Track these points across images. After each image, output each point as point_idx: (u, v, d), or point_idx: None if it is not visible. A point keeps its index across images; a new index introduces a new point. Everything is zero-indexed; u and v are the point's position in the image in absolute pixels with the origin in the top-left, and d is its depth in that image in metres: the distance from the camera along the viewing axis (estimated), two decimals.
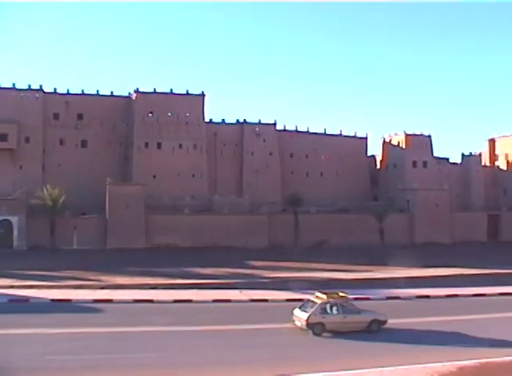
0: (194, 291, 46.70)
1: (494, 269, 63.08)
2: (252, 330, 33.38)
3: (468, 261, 68.50)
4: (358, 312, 32.86)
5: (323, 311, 31.89)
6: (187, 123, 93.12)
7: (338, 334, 31.63)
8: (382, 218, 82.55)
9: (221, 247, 76.84)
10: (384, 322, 33.29)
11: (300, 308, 33.19)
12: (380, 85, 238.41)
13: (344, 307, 32.45)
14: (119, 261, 64.43)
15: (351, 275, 57.42)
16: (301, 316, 32.29)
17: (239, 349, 28.91)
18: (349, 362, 26.29)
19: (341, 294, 33.88)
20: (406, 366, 25.59)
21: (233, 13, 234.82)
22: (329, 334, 31.73)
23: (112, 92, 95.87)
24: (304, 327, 31.83)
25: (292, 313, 33.47)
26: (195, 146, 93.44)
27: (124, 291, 46.65)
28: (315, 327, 31.63)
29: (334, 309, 32.10)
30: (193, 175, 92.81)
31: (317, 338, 31.38)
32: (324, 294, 33.31)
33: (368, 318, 32.88)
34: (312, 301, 32.86)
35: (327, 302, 32.34)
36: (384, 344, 30.64)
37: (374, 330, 32.57)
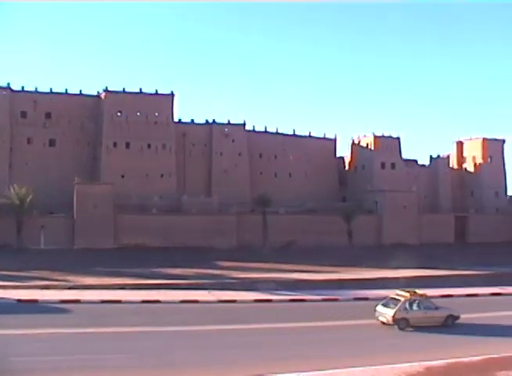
0: (162, 291, 46.75)
1: (461, 270, 64.19)
2: (224, 330, 33.65)
3: (435, 262, 69.40)
4: (436, 308, 36.17)
5: (407, 307, 35.08)
6: (156, 123, 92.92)
7: (420, 328, 34.70)
8: (350, 219, 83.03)
9: (189, 247, 76.77)
10: (458, 317, 36.60)
11: (382, 305, 36.30)
12: (349, 87, 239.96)
13: (424, 304, 35.81)
14: (87, 261, 64.09)
15: (319, 276, 57.83)
16: (385, 312, 35.31)
17: (211, 350, 29.13)
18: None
19: (420, 292, 37.23)
20: (377, 367, 26.01)
21: (201, 14, 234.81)
22: (411, 329, 34.76)
23: (81, 91, 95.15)
24: (390, 322, 34.90)
25: (375, 310, 36.35)
26: (164, 146, 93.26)
27: (91, 291, 46.52)
28: (401, 323, 34.69)
29: (415, 305, 35.39)
30: (162, 175, 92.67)
31: (403, 332, 34.50)
32: (406, 292, 36.56)
33: (444, 313, 36.23)
34: (395, 299, 36.01)
35: (410, 299, 35.46)
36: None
37: (450, 325, 35.81)
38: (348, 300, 46.91)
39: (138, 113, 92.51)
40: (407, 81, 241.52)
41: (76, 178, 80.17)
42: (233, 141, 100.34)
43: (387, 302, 36.39)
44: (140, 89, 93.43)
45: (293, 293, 48.64)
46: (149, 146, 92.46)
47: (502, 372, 25.73)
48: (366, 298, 46.62)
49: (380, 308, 36.13)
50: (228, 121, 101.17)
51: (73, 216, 78.41)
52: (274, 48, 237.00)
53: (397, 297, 36.10)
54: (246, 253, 73.90)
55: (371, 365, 26.07)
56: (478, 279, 60.28)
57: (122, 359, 26.48)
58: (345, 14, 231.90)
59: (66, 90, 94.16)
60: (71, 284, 49.17)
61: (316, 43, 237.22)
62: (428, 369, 26.17)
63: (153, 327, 33.67)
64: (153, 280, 52.32)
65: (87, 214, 77.77)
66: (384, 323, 35.44)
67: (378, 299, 46.86)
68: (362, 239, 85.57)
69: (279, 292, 49.17)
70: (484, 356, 28.66)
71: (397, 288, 51.87)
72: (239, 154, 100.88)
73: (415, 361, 27.03)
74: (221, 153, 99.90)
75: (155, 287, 48.55)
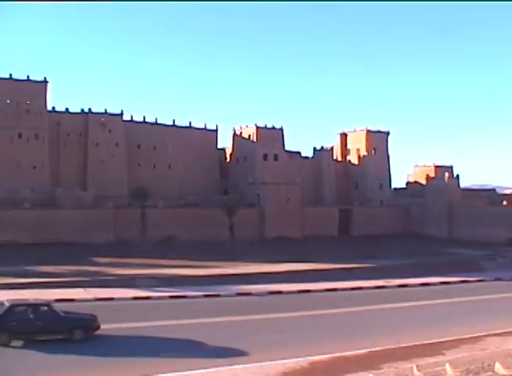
0: (36, 290, 45.77)
1: (345, 263, 66.28)
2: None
3: (319, 256, 71.45)
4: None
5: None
6: (28, 111, 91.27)
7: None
8: (232, 212, 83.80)
9: (64, 243, 75.73)
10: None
11: None
12: (231, 78, 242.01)
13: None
14: None
15: (201, 271, 58.67)
16: None
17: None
18: None
19: None
20: (261, 363, 27.20)
21: None
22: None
23: None
24: None
25: None
26: (36, 136, 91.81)
27: None
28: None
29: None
30: (34, 167, 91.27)
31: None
32: None
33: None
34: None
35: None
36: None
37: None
38: (231, 296, 48.11)
39: (8, 101, 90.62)
40: (289, 72, 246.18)
41: None
42: (110, 131, 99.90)
43: None
44: (10, 75, 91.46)
45: (175, 289, 49.35)
46: (20, 135, 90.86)
47: (386, 364, 27.01)
48: (250, 293, 47.96)
49: None
50: (105, 111, 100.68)
51: None
52: (152, 35, 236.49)
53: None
54: (124, 248, 73.83)
55: None
56: (362, 272, 62.96)
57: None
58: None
59: None
60: None
61: (197, 30, 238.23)
62: (312, 363, 27.40)
63: None
64: (26, 278, 51.30)
65: None
66: None
67: (262, 294, 48.75)
68: (245, 233, 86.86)
69: (159, 289, 49.74)
70: (369, 349, 30.31)
71: (280, 282, 54.31)
72: (117, 145, 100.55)
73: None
74: (97, 144, 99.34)
75: (28, 287, 47.56)
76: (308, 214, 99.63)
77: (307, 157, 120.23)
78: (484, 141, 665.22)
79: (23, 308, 31.28)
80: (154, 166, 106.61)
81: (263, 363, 27.32)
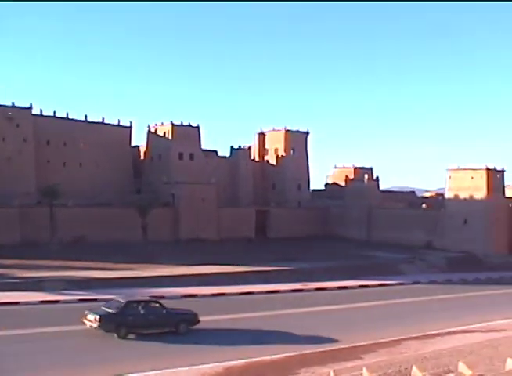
0: None
1: (262, 266, 66.29)
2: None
3: (235, 258, 71.29)
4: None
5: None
6: None
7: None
8: (145, 212, 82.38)
9: None
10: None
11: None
12: (147, 74, 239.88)
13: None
14: None
15: (113, 273, 57.73)
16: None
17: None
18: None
19: None
20: (175, 369, 26.91)
21: None
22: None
23: None
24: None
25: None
26: None
27: None
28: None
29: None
30: None
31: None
32: None
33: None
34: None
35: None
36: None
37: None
38: None
39: None
40: (207, 69, 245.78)
41: None
42: (18, 126, 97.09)
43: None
44: None
45: (85, 292, 48.37)
46: None
47: (303, 369, 27.06)
48: (162, 297, 47.28)
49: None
50: (13, 104, 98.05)
51: None
52: (61, 23, 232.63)
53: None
54: (31, 249, 71.70)
55: None
56: (279, 275, 63.00)
57: None
58: None
59: None
60: None
61: (109, 22, 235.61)
62: (228, 369, 27.17)
63: None
64: None
65: None
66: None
67: (175, 298, 48.05)
68: (158, 234, 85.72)
69: (68, 292, 48.65)
70: (286, 354, 30.34)
71: (194, 285, 53.80)
72: (24, 140, 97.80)
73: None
74: (3, 139, 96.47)
75: None
76: (224, 215, 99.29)
77: (224, 157, 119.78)
78: (404, 144, 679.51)
79: (136, 304, 35.27)
80: (64, 164, 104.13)
81: (178, 369, 26.99)
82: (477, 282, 71.02)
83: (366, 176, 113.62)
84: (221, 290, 53.05)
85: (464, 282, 70.20)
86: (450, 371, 22.12)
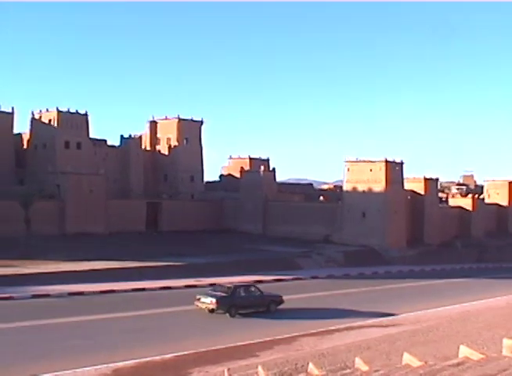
0: None
1: (154, 261, 65.67)
2: None
3: (125, 253, 70.36)
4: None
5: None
6: None
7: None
8: (28, 204, 79.52)
9: None
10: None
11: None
12: (31, 57, 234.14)
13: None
14: None
15: None
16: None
17: None
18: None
19: None
20: (58, 373, 26.07)
21: None
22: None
23: None
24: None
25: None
26: None
27: None
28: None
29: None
30: None
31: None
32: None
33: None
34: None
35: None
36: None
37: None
38: (26, 298, 46.15)
39: None
40: (92, 48, 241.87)
41: None
42: None
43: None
44: None
45: None
46: None
47: (196, 368, 26.96)
48: (47, 295, 46.01)
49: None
50: None
51: None
52: None
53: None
54: None
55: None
56: (172, 270, 62.25)
57: None
58: None
59: None
60: None
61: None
62: (116, 371, 26.59)
63: None
64: None
65: None
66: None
67: (61, 296, 46.66)
68: (43, 228, 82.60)
69: None
70: (177, 353, 29.99)
71: (82, 282, 52.48)
72: None
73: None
74: None
75: None
76: (114, 207, 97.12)
77: (113, 146, 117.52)
78: (303, 135, 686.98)
79: (239, 288, 44.50)
80: None
81: (62, 372, 26.22)
82: (375, 276, 72.86)
83: (262, 167, 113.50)
84: (110, 287, 52.04)
85: (362, 276, 71.76)
86: (347, 367, 21.63)
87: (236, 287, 44.34)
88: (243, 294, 43.72)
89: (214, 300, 41.78)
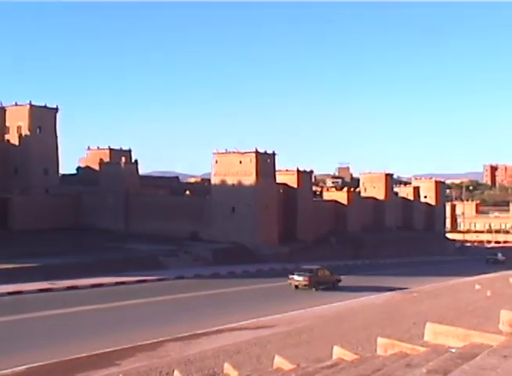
0: None
1: (1, 263, 62.78)
2: None
3: None
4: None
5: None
6: None
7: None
8: None
9: None
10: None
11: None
12: None
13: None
14: None
15: None
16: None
17: None
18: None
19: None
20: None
21: None
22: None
23: None
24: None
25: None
26: None
27: None
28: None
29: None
30: None
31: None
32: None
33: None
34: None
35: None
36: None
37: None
38: None
39: None
40: None
41: None
42: None
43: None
44: None
45: None
46: None
47: (83, 373, 26.49)
48: None
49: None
50: None
51: None
52: None
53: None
54: None
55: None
56: (23, 273, 59.98)
57: None
58: None
59: None
60: None
61: None
62: None
63: None
64: None
65: None
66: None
67: None
68: None
69: None
70: (68, 358, 29.21)
71: None
72: None
73: None
74: None
75: None
76: None
77: None
78: (168, 126, 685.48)
79: (317, 270, 63.94)
80: None
81: None
82: (246, 275, 73.68)
83: (124, 159, 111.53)
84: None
85: (233, 275, 72.43)
86: (216, 373, 23.41)
87: (317, 269, 64.10)
88: (319, 273, 63.11)
89: (306, 278, 60.99)
